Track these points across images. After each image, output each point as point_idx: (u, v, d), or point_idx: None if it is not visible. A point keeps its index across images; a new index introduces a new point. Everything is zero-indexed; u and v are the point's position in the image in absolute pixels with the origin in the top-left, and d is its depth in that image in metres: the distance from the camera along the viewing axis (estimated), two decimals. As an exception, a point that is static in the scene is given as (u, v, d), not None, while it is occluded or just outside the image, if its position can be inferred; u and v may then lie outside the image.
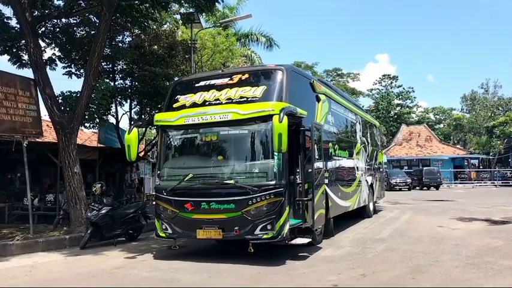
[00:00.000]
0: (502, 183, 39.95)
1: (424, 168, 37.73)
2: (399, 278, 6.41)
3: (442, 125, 63.96)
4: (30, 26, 10.66)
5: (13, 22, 12.19)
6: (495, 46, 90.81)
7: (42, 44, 12.92)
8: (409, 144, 48.23)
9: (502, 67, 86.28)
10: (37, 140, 12.03)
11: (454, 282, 6.14)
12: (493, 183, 40.44)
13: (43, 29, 13.10)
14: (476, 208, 16.69)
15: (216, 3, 12.10)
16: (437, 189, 34.62)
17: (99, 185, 10.31)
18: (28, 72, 12.10)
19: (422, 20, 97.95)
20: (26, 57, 12.52)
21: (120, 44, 15.77)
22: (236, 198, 7.51)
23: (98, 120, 14.64)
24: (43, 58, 11.78)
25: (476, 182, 41.50)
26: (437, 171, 36.53)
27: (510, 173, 43.13)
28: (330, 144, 10.46)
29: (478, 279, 6.25)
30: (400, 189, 33.28)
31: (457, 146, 51.05)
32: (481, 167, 48.26)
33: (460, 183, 41.38)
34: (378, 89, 62.71)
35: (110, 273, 7.19)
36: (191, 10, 14.78)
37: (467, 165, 45.98)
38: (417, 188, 35.54)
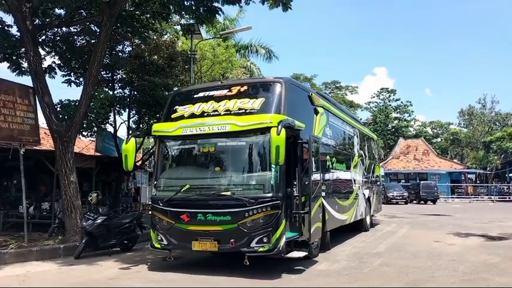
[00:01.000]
0: (499, 198, 39.98)
1: (421, 182, 37.71)
2: (395, 294, 6.36)
3: (439, 139, 64.12)
4: (31, 34, 10.69)
5: (13, 30, 12.23)
6: (493, 61, 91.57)
7: (42, 52, 12.96)
8: (407, 158, 48.29)
9: (500, 82, 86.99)
10: (34, 147, 11.99)
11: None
12: (490, 198, 40.46)
13: (43, 37, 13.12)
14: (473, 223, 16.66)
15: (217, 15, 12.16)
16: (434, 203, 34.58)
17: (95, 194, 10.26)
18: (27, 80, 12.11)
19: (420, 34, 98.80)
20: (25, 65, 12.52)
21: (120, 54, 15.83)
22: (232, 210, 7.47)
23: (95, 129, 14.62)
24: (42, 66, 11.80)
25: (473, 196, 41.53)
26: (434, 185, 36.52)
27: (507, 188, 43.22)
28: (328, 157, 10.46)
29: (474, 296, 6.22)
30: (397, 203, 33.24)
31: (454, 161, 51.17)
32: (478, 181, 48.32)
33: (457, 197, 41.37)
34: (375, 102, 63.04)
35: (104, 284, 7.12)
36: (191, 21, 14.86)
37: (465, 180, 46.05)
38: (414, 201, 35.50)
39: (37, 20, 11.97)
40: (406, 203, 33.99)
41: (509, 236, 12.83)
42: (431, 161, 46.63)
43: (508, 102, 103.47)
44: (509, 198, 39.89)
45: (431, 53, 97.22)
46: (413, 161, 47.42)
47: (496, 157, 45.65)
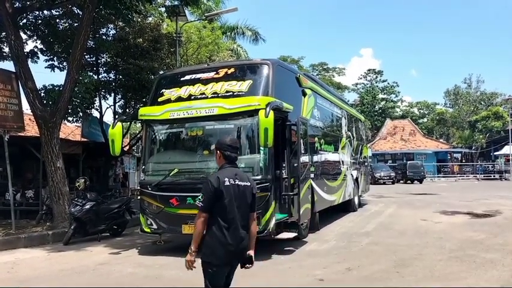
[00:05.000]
0: (484, 176, 40.67)
1: (408, 162, 38.13)
2: (384, 272, 6.47)
3: (425, 120, 64.65)
4: (11, 17, 10.41)
5: (-7, 13, 11.88)
6: (478, 41, 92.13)
7: (24, 36, 12.67)
8: (394, 139, 48.70)
9: (485, 62, 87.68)
10: (19, 134, 11.81)
11: (437, 275, 6.22)
12: (475, 176, 41.12)
13: (24, 20, 12.83)
14: (459, 201, 16.95)
15: (201, -4, 11.96)
16: (420, 182, 35.05)
17: (83, 180, 10.16)
18: (9, 65, 11.86)
19: (405, 14, 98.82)
20: (6, 49, 12.25)
21: (104, 37, 15.54)
22: (222, 193, 7.45)
23: (81, 114, 14.42)
24: (24, 51, 11.53)
25: (459, 175, 42.17)
26: (420, 165, 36.98)
27: (492, 167, 43.93)
28: (316, 139, 10.48)
29: (461, 272, 6.35)
30: (384, 183, 33.61)
31: (440, 140, 51.74)
32: (463, 160, 48.99)
33: (443, 176, 41.97)
34: (363, 83, 63.16)
35: (94, 269, 7.11)
36: (176, 3, 14.63)
37: (450, 159, 46.66)
38: (401, 181, 35.93)
39: (17, 3, 11.66)
40: (393, 183, 34.40)
41: (494, 213, 13.08)
42: (417, 141, 47.09)
43: (493, 81, 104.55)
44: (494, 176, 40.60)
45: (416, 34, 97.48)
46: (400, 141, 47.85)
47: (481, 136, 46.23)
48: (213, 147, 8.18)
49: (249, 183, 3.66)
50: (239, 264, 3.68)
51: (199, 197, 3.55)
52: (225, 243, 3.45)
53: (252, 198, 3.67)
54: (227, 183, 3.48)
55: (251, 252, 3.65)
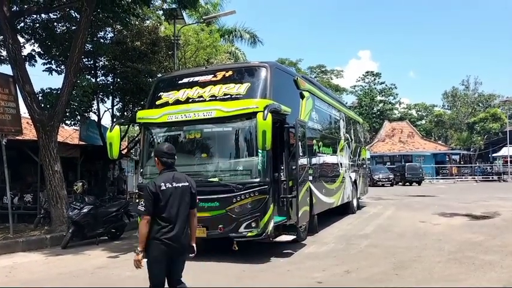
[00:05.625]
0: (483, 178, 40.74)
1: (407, 164, 38.12)
2: (383, 274, 6.46)
3: (424, 121, 64.69)
4: (9, 20, 10.40)
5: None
6: (475, 43, 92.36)
7: (21, 40, 12.64)
8: (392, 141, 48.71)
9: (483, 64, 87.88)
10: (17, 137, 11.78)
11: (436, 277, 6.21)
12: (474, 178, 41.17)
13: (22, 24, 12.80)
14: (458, 203, 16.95)
15: (199, -1, 11.98)
16: (419, 184, 35.05)
17: (81, 183, 10.12)
18: (7, 69, 11.84)
19: (402, 16, 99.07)
20: (4, 53, 12.23)
21: (101, 40, 15.52)
22: (220, 196, 7.46)
23: (79, 117, 14.39)
24: (22, 54, 11.52)
25: (457, 177, 42.20)
26: (419, 166, 36.98)
27: (490, 168, 44.01)
28: (314, 141, 10.48)
29: (459, 274, 6.35)
30: (383, 185, 33.62)
31: (439, 142, 51.79)
32: (462, 162, 49.07)
33: (442, 178, 42.00)
34: (361, 85, 63.18)
35: (92, 273, 7.08)
36: (174, 6, 14.62)
37: (449, 161, 46.72)
38: (400, 183, 35.92)
39: (15, 7, 11.65)
40: (391, 185, 34.39)
41: (493, 214, 13.09)
42: (416, 143, 47.13)
43: (491, 83, 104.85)
44: (492, 178, 40.68)
45: (414, 36, 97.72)
46: (398, 143, 47.87)
47: (479, 138, 46.32)
48: (212, 150, 8.21)
49: (188, 184, 4.08)
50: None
51: (141, 202, 3.90)
52: (164, 240, 3.83)
53: (191, 196, 4.09)
54: (163, 187, 3.90)
55: (192, 243, 4.20)
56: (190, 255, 4.18)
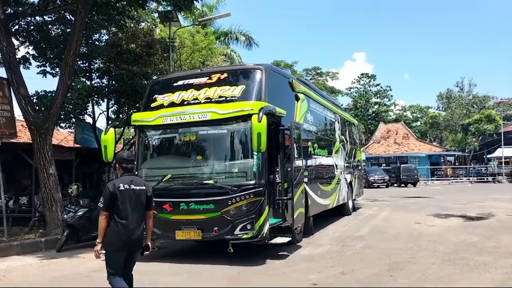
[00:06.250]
0: (477, 179, 40.93)
1: (402, 165, 38.23)
2: (377, 276, 6.48)
3: (418, 123, 64.94)
4: (3, 23, 10.36)
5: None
6: (470, 45, 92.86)
7: (16, 42, 12.58)
8: (387, 142, 48.85)
9: (477, 66, 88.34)
10: (11, 140, 11.73)
11: (430, 278, 6.24)
12: (469, 179, 41.35)
13: (16, 26, 12.75)
14: (453, 204, 17.02)
15: (195, 2, 12.00)
16: (414, 186, 35.17)
17: (76, 186, 10.09)
18: (1, 71, 11.78)
19: (397, 18, 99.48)
20: (-2, 56, 12.15)
21: (96, 42, 15.46)
22: (215, 198, 7.47)
23: (74, 120, 14.33)
24: (16, 57, 11.48)
25: (452, 178, 42.36)
26: (414, 168, 37.12)
27: (485, 170, 44.21)
28: (309, 143, 10.50)
29: (454, 275, 6.38)
30: (378, 187, 33.71)
31: (434, 144, 51.98)
32: (456, 163, 49.26)
33: (437, 179, 42.15)
34: (356, 87, 63.38)
35: (87, 276, 7.06)
36: (169, 8, 14.59)
37: (444, 162, 46.89)
38: (395, 185, 36.04)
39: (9, 9, 11.61)
40: (387, 186, 34.51)
41: (487, 215, 13.15)
42: (411, 145, 47.28)
43: (485, 85, 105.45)
44: (487, 179, 40.86)
45: (408, 38, 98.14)
46: (393, 145, 48.01)
47: (474, 139, 46.56)
48: (207, 152, 8.22)
49: (144, 187, 4.61)
50: (140, 252, 4.63)
51: (101, 200, 4.41)
52: (120, 235, 4.36)
53: (147, 199, 4.59)
54: (122, 188, 4.42)
55: (148, 242, 4.67)
56: (146, 252, 4.66)
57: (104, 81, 16.46)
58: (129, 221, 4.39)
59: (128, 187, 4.45)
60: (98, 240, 4.39)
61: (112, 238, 4.37)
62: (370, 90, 62.43)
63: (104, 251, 4.42)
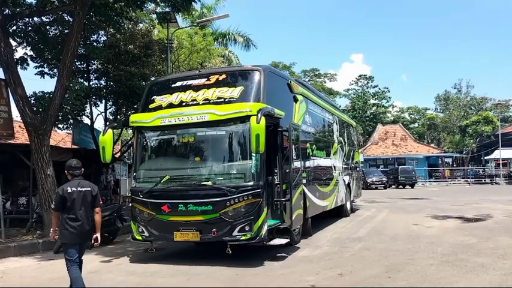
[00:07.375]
0: (475, 181, 41.00)
1: (400, 167, 38.30)
2: (376, 277, 6.48)
3: (416, 124, 65.05)
4: (1, 24, 10.34)
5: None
6: (467, 47, 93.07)
7: (13, 43, 12.54)
8: (385, 144, 48.91)
9: (474, 67, 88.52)
10: (9, 141, 11.70)
11: (429, 279, 6.23)
12: (467, 181, 41.42)
13: (14, 27, 12.71)
14: (450, 206, 17.05)
15: (193, 3, 11.96)
16: (412, 187, 35.20)
17: (74, 187, 10.05)
18: (-2, 72, 11.73)
19: (395, 20, 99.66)
20: (-4, 56, 12.11)
21: (94, 43, 15.44)
22: (214, 199, 7.46)
23: (71, 121, 14.31)
24: (14, 57, 11.45)
25: (450, 180, 42.42)
26: (412, 169, 37.15)
27: (482, 171, 44.28)
28: (308, 145, 10.50)
29: (452, 276, 6.38)
30: (376, 188, 33.74)
31: (432, 145, 52.04)
32: (454, 165, 49.34)
33: (435, 181, 42.22)
34: (354, 89, 63.42)
35: (85, 277, 6.95)
36: (167, 9, 14.58)
37: (442, 164, 46.95)
38: (393, 186, 36.08)
39: (7, 10, 11.59)
40: (385, 187, 34.53)
41: (485, 217, 13.17)
42: (409, 146, 47.37)
43: (483, 86, 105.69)
44: (484, 180, 40.93)
45: (406, 39, 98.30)
46: (391, 146, 48.08)
47: (471, 141, 46.64)
48: (205, 153, 8.21)
49: (89, 188, 5.46)
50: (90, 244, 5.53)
51: (53, 201, 5.57)
52: (71, 229, 5.26)
53: (93, 198, 5.43)
54: (69, 190, 5.30)
55: (97, 234, 5.45)
56: (95, 243, 5.48)
57: (102, 82, 16.45)
58: (77, 217, 5.25)
59: (75, 189, 5.31)
60: (52, 229, 5.53)
61: (66, 233, 5.27)
62: (368, 91, 62.45)
63: (57, 236, 5.43)
